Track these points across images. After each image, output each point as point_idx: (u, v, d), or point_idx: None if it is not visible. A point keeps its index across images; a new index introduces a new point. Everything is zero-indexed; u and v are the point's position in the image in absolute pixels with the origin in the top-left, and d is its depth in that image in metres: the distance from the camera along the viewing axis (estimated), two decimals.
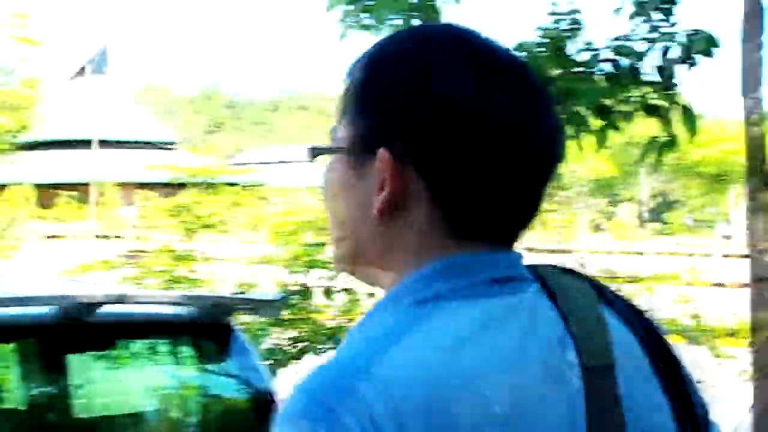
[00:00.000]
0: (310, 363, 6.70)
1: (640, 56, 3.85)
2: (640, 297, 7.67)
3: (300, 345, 6.81)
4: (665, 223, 70.09)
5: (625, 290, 7.69)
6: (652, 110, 3.83)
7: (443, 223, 1.23)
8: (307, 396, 1.08)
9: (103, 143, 67.57)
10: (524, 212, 1.27)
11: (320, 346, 6.77)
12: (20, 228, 12.88)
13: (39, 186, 60.09)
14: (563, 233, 59.04)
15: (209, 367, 3.91)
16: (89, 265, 7.81)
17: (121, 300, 3.56)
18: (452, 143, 1.20)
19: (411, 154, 1.22)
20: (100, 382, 4.01)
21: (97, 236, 57.05)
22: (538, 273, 1.29)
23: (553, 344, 1.20)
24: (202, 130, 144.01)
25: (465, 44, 1.28)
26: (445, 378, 1.10)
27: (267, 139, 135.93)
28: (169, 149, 78.08)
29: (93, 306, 3.33)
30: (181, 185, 63.74)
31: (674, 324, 7.29)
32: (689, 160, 51.82)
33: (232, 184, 63.65)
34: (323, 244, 7.21)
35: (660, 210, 74.12)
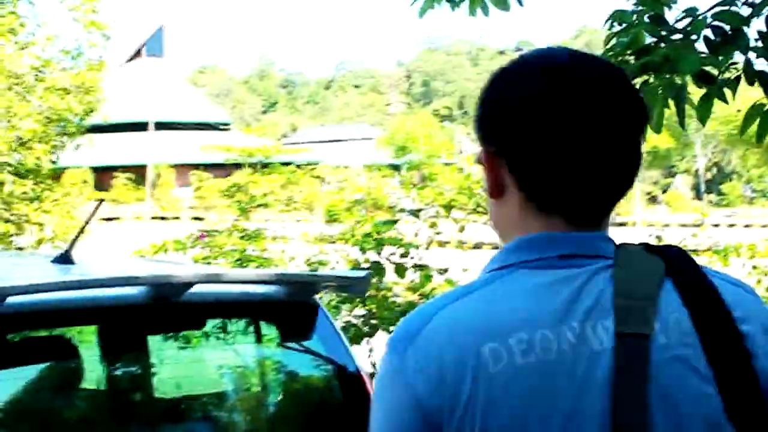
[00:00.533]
0: (381, 340, 6.68)
1: (743, 22, 3.73)
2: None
3: (372, 322, 6.78)
4: (722, 195, 69.34)
5: (701, 263, 7.59)
6: (755, 77, 3.72)
7: (530, 205, 1.57)
8: (394, 332, 1.54)
9: (159, 125, 68.14)
10: (599, 197, 1.57)
11: (392, 324, 6.73)
12: (82, 211, 12.98)
13: (95, 169, 60.82)
14: (619, 205, 58.59)
15: (296, 346, 3.89)
16: (161, 245, 7.84)
17: (211, 279, 3.55)
18: (523, 139, 1.54)
19: (501, 151, 1.58)
20: (188, 362, 4.02)
21: (153, 217, 57.70)
22: (617, 251, 1.56)
23: (595, 311, 1.47)
24: (256, 110, 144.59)
25: (540, 59, 1.63)
26: (479, 328, 1.45)
27: (321, 117, 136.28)
28: (224, 130, 78.53)
29: (183, 286, 3.32)
30: (236, 165, 63.97)
31: None
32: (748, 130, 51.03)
33: (286, 164, 63.93)
34: (395, 222, 7.18)
35: (717, 181, 73.30)
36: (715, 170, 73.52)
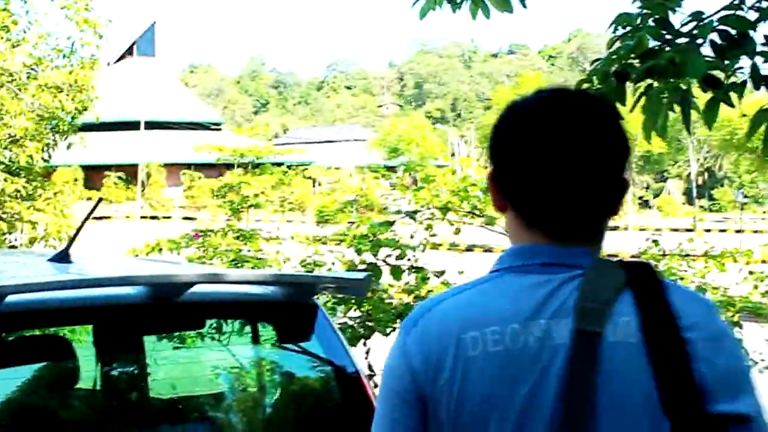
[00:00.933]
0: (378, 342, 6.65)
1: (749, 26, 3.71)
2: (709, 275, 7.53)
3: (368, 323, 6.75)
4: (713, 200, 69.42)
5: (697, 268, 7.58)
6: (762, 82, 3.70)
7: (519, 220, 1.93)
8: (407, 317, 1.96)
9: (150, 125, 67.99)
10: (574, 217, 1.88)
11: (387, 326, 6.69)
12: (74, 209, 12.93)
13: (86, 167, 60.68)
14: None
15: (295, 347, 3.86)
16: (155, 245, 7.78)
17: (211, 279, 3.52)
18: (508, 165, 1.91)
19: (497, 173, 1.95)
20: (187, 362, 3.99)
21: (143, 217, 57.58)
22: (591, 263, 1.86)
23: (561, 311, 1.80)
24: (247, 110, 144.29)
25: (532, 97, 1.97)
26: (465, 319, 1.84)
27: (313, 118, 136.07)
28: (215, 130, 78.39)
29: (183, 286, 3.29)
30: (228, 166, 63.81)
31: (748, 301, 7.14)
32: (740, 135, 51.22)
33: (278, 164, 63.77)
34: (391, 223, 7.13)
35: (708, 186, 73.39)
36: (706, 175, 73.60)
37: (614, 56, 3.89)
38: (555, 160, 1.83)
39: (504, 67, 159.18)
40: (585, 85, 3.91)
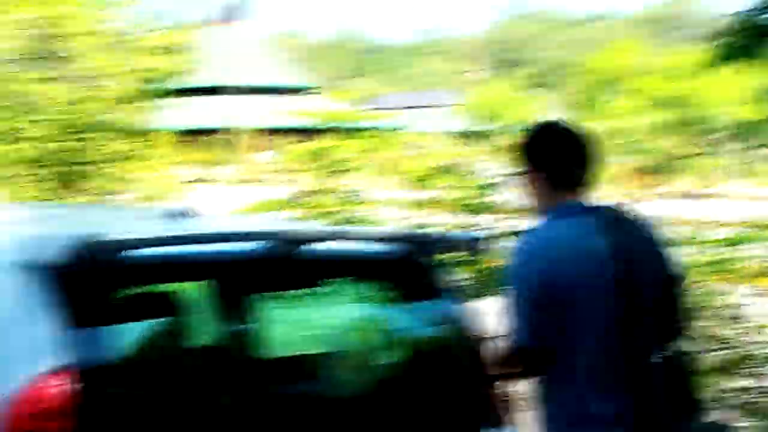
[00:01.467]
0: (477, 304, 6.61)
1: None
2: None
3: (469, 286, 6.71)
4: None
5: None
6: None
7: (549, 184, 3.37)
8: (521, 243, 3.38)
9: (243, 89, 68.49)
10: (581, 178, 3.35)
11: (488, 288, 6.64)
12: (169, 172, 13.11)
13: (178, 132, 61.43)
14: (706, 178, 57.66)
15: (409, 306, 3.86)
16: (262, 205, 7.81)
17: (330, 236, 3.52)
18: (542, 161, 3.39)
19: (535, 166, 3.41)
20: (305, 320, 3.98)
21: (236, 181, 58.15)
22: (600, 207, 3.34)
23: (593, 234, 3.23)
24: (338, 76, 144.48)
25: (554, 125, 3.56)
26: (550, 241, 3.27)
27: (404, 84, 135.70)
28: (308, 94, 78.66)
29: (307, 241, 3.29)
30: (317, 131, 63.97)
31: None
32: None
33: (368, 129, 63.45)
34: (493, 185, 7.06)
35: None
36: None
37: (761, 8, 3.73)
38: (569, 157, 3.36)
39: (597, 33, 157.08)
40: (727, 38, 3.81)
